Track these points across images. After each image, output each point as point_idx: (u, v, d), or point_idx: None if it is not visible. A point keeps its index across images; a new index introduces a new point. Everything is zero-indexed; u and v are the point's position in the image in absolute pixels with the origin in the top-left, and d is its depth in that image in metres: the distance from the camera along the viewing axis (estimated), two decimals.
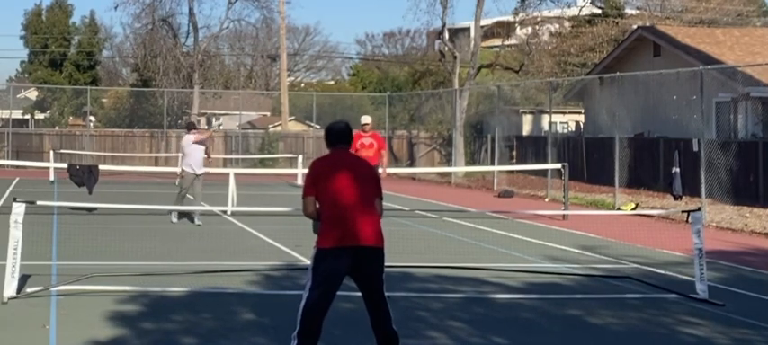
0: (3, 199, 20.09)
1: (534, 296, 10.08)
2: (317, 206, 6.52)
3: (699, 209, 10.41)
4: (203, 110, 47.66)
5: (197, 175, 16.71)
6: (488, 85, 36.86)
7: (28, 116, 56.79)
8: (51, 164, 25.46)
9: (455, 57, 37.81)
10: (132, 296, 9.40)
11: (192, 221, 16.70)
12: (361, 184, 6.50)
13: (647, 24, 36.13)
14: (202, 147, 16.88)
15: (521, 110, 40.07)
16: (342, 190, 6.43)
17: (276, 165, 34.91)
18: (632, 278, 11.19)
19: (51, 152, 30.98)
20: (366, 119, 17.14)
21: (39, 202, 11.11)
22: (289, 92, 43.53)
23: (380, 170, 16.09)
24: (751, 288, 10.95)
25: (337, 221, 6.37)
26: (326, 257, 6.36)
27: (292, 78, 59.88)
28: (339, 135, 6.75)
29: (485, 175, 30.72)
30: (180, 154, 17.83)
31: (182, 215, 16.99)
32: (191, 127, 17.90)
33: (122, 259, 11.99)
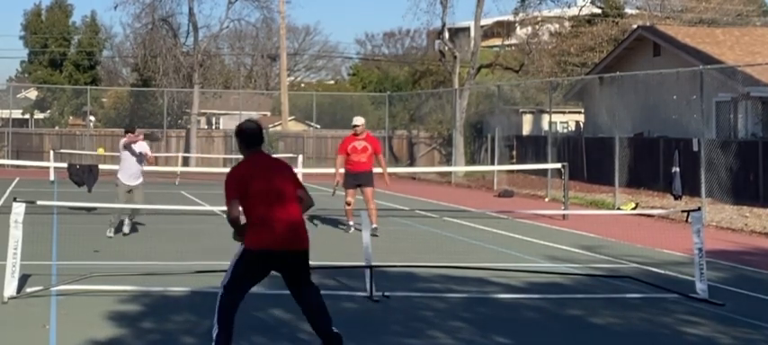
0: (3, 199, 20.08)
1: (536, 295, 10.08)
2: (241, 209, 6.67)
3: (699, 209, 10.40)
4: (203, 110, 47.62)
5: (129, 189, 14.77)
6: (488, 85, 36.83)
7: (28, 116, 56.77)
8: (51, 164, 25.45)
9: (455, 57, 37.78)
10: (132, 296, 9.39)
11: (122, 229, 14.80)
12: (287, 186, 6.73)
13: (647, 24, 36.11)
14: (137, 154, 14.93)
15: (521, 110, 40.06)
16: (269, 194, 6.62)
17: None
18: (632, 277, 11.18)
19: (51, 152, 30.96)
20: (358, 121, 14.46)
21: (39, 202, 11.11)
22: (289, 91, 43.53)
23: (380, 170, 15.18)
24: (751, 288, 10.94)
25: (267, 225, 6.57)
26: (255, 259, 6.61)
27: (292, 78, 59.86)
28: (255, 137, 6.94)
29: (485, 175, 30.72)
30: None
31: (118, 229, 14.81)
32: (127, 130, 15.51)
33: (122, 259, 11.98)
